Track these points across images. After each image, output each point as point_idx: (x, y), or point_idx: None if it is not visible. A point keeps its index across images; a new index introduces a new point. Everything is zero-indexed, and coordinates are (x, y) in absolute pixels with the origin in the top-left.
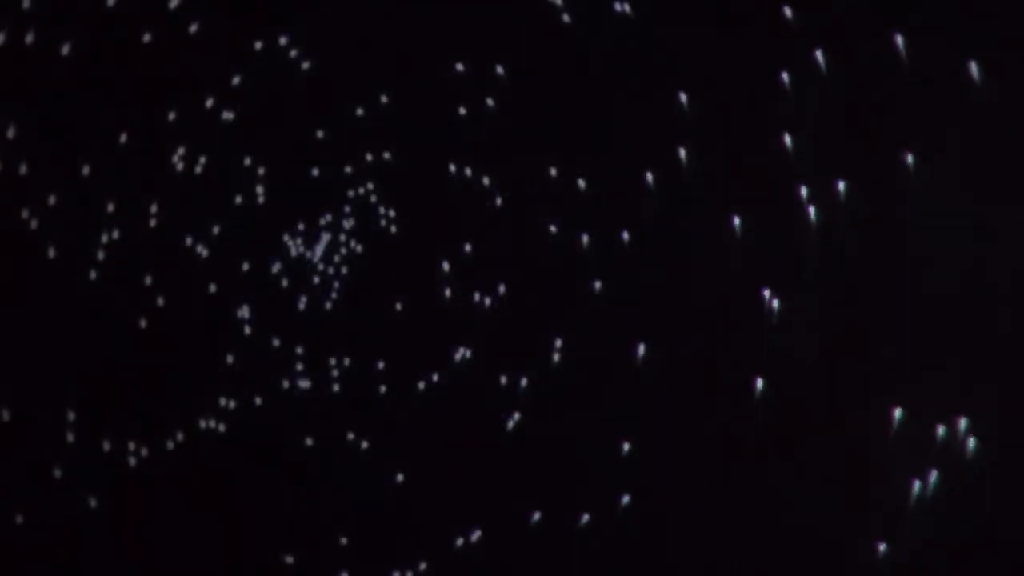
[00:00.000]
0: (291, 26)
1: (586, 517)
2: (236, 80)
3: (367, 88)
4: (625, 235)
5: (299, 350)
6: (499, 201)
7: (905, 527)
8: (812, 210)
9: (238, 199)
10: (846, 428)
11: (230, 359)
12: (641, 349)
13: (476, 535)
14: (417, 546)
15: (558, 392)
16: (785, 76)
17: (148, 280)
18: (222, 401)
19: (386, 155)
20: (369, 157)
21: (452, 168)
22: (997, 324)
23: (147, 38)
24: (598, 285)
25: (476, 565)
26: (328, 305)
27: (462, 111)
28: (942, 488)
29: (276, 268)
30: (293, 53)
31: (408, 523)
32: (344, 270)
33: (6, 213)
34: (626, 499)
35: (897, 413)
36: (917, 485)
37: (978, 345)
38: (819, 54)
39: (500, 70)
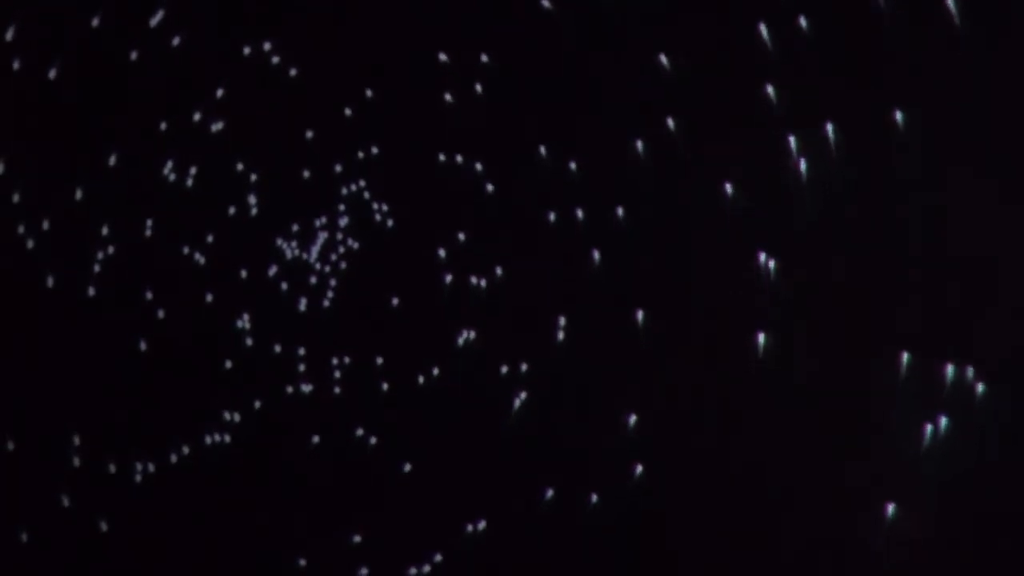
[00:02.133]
0: (273, 32)
1: (594, 498)
2: (222, 90)
3: (352, 86)
4: (619, 210)
5: (301, 351)
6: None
7: (913, 482)
8: (803, 165)
9: (232, 209)
10: (850, 382)
11: (233, 367)
12: (641, 318)
13: (487, 522)
14: (430, 538)
15: (562, 371)
16: (763, 28)
17: (149, 295)
18: (226, 409)
19: (375, 150)
20: (360, 154)
21: (442, 157)
22: (998, 275)
23: (134, 56)
24: (596, 260)
25: (488, 553)
26: (327, 303)
27: (448, 99)
28: (951, 438)
29: (273, 271)
30: (276, 59)
31: (419, 515)
32: (343, 266)
33: (2, 237)
34: (637, 471)
35: (903, 365)
36: (928, 431)
37: (981, 292)
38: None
39: (484, 58)
